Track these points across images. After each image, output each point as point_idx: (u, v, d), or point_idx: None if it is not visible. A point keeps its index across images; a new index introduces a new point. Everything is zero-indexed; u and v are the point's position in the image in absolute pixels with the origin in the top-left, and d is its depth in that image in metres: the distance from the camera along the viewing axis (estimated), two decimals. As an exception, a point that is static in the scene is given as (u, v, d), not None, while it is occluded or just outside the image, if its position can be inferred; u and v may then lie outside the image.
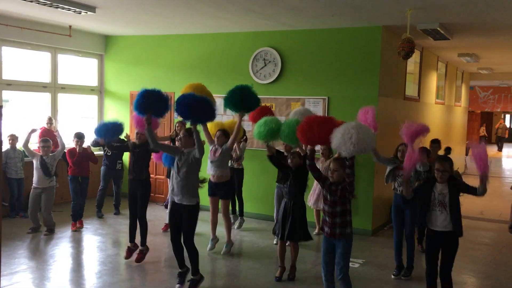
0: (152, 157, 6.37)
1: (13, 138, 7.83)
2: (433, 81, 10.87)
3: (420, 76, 9.76)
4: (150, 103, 4.92)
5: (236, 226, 7.72)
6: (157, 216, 8.41)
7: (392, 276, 5.80)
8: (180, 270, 5.22)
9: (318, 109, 7.88)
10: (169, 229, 5.37)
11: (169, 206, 5.38)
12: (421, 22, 6.93)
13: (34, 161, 7.05)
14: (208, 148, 6.16)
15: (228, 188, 6.52)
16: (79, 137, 7.46)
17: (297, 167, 5.37)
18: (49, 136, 7.81)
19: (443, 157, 4.75)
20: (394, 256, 5.91)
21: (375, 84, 7.54)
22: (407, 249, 5.84)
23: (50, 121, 8.53)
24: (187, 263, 5.20)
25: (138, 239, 6.11)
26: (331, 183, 4.52)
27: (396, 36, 7.64)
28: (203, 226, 7.09)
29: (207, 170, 6.52)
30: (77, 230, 7.39)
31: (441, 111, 11.96)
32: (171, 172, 5.27)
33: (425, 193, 4.64)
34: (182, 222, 5.06)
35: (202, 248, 5.90)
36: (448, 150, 5.73)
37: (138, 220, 6.05)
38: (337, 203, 4.48)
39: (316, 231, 7.59)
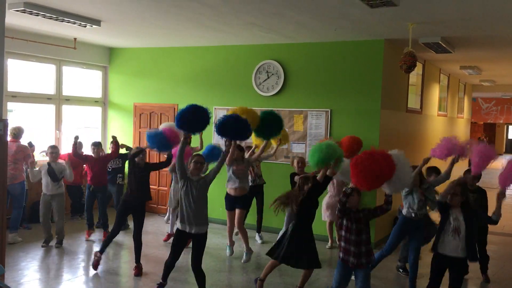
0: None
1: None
2: (435, 93, 10.91)
3: (422, 88, 9.80)
4: (198, 122, 4.89)
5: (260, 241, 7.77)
6: (160, 228, 8.42)
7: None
8: (161, 282, 5.30)
9: (321, 122, 7.92)
10: (171, 245, 5.27)
11: (175, 233, 5.23)
12: (423, 36, 6.98)
13: (42, 170, 7.02)
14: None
15: (246, 200, 6.71)
16: (95, 145, 7.58)
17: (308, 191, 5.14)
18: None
19: (456, 181, 4.77)
20: (376, 258, 5.73)
21: (378, 97, 7.57)
22: (410, 276, 5.69)
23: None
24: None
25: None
26: (354, 211, 4.48)
27: (398, 49, 7.69)
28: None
29: (226, 185, 6.72)
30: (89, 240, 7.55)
31: (443, 123, 11.98)
32: (180, 198, 5.11)
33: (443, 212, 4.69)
34: (193, 248, 5.08)
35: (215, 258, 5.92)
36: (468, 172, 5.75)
37: (134, 238, 6.07)
38: (362, 231, 4.46)
39: (329, 244, 7.58)
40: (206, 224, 5.10)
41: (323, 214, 7.47)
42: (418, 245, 5.69)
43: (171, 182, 7.86)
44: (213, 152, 6.48)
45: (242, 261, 6.58)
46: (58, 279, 5.87)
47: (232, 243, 6.92)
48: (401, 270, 6.33)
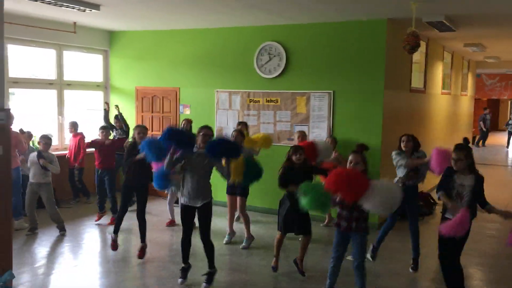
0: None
1: (27, 136, 7.80)
2: (439, 71, 10.81)
3: (426, 67, 9.71)
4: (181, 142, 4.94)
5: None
6: (163, 211, 8.47)
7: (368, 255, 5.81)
8: (183, 265, 5.34)
9: (324, 103, 7.88)
10: (172, 225, 5.36)
11: (180, 209, 5.32)
12: (426, 14, 6.88)
13: (31, 156, 6.94)
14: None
15: (246, 186, 6.62)
16: (104, 128, 7.69)
17: (303, 162, 5.37)
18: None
19: (459, 146, 4.74)
20: (377, 237, 5.97)
21: (381, 77, 7.51)
22: (412, 241, 5.85)
23: (73, 126, 8.62)
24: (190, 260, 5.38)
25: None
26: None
27: (401, 29, 7.59)
28: (215, 221, 7.16)
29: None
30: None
31: (447, 101, 11.91)
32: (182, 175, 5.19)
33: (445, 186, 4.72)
34: (199, 220, 5.16)
35: (217, 242, 5.96)
36: (465, 140, 5.72)
37: (137, 217, 6.10)
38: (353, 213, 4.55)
39: (325, 222, 7.67)
40: (209, 196, 5.17)
41: None
42: (414, 214, 5.86)
43: None
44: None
45: (241, 246, 6.59)
46: (63, 266, 5.94)
47: (232, 232, 6.86)
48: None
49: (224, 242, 6.77)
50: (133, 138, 6.23)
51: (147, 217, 6.29)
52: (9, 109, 4.49)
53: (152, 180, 5.86)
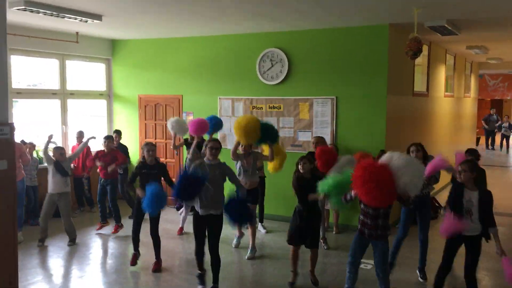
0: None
1: (30, 146, 7.91)
2: (441, 74, 10.78)
3: (428, 70, 9.69)
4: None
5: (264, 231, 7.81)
6: (169, 219, 8.46)
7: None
8: (200, 272, 5.39)
9: (326, 109, 7.87)
10: (183, 234, 5.38)
11: (194, 219, 5.31)
12: (428, 19, 6.87)
13: (50, 167, 7.02)
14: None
15: (256, 194, 6.67)
16: (107, 138, 7.74)
17: (309, 172, 5.34)
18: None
19: (466, 159, 4.77)
20: (391, 251, 5.83)
21: (384, 82, 7.50)
22: (421, 252, 5.81)
23: (80, 135, 8.67)
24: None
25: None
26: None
27: (403, 33, 7.58)
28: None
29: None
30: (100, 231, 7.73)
31: (450, 103, 11.88)
32: None
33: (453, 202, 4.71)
34: (209, 230, 5.20)
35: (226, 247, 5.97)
36: (471, 152, 5.70)
37: (151, 234, 6.06)
38: (379, 216, 4.54)
39: (334, 232, 7.71)
40: (222, 207, 5.16)
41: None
42: (425, 222, 5.78)
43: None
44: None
45: (245, 257, 6.58)
46: (70, 276, 5.94)
47: (241, 234, 6.96)
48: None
49: (233, 245, 6.85)
50: (142, 157, 6.07)
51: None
52: (13, 123, 4.48)
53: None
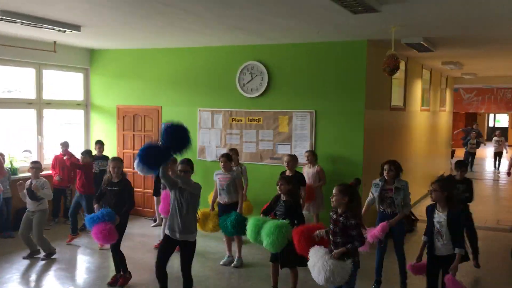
0: (159, 211, 6.63)
1: (2, 157, 7.73)
2: (418, 88, 10.99)
3: (405, 85, 9.86)
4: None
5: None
6: (147, 232, 8.37)
7: None
8: None
9: (305, 123, 7.93)
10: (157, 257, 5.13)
11: (163, 240, 5.18)
12: (406, 36, 7.01)
13: (24, 188, 6.79)
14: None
15: (238, 208, 6.57)
16: (84, 154, 7.72)
17: (286, 193, 5.34)
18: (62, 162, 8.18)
19: (437, 178, 4.84)
20: (375, 269, 5.96)
21: (362, 97, 7.60)
22: (399, 264, 5.88)
23: (65, 145, 8.58)
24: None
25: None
26: (334, 211, 4.47)
27: (381, 49, 7.69)
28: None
29: (217, 196, 6.72)
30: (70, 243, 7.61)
31: (426, 117, 12.10)
32: (171, 206, 5.02)
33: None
34: (181, 258, 5.07)
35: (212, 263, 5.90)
36: (445, 176, 5.84)
37: (112, 249, 5.89)
38: (337, 234, 4.42)
39: None
40: (195, 232, 5.08)
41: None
42: (400, 239, 5.84)
43: None
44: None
45: (232, 265, 6.60)
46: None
47: (230, 257, 6.77)
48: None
49: (222, 263, 6.72)
50: (109, 172, 5.84)
51: (129, 240, 6.18)
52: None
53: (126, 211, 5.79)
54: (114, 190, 5.73)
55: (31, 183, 6.80)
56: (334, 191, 4.46)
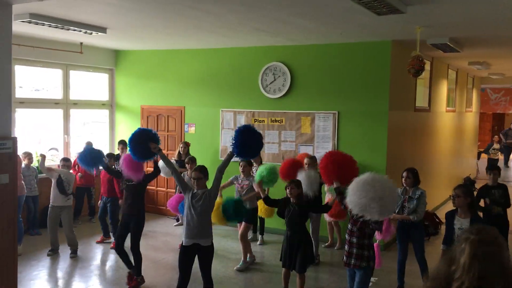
0: (167, 205, 6.55)
1: (28, 156, 7.93)
2: (443, 89, 10.81)
3: (430, 85, 9.71)
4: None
5: (258, 242, 7.88)
6: (170, 231, 8.46)
7: None
8: None
9: (328, 124, 7.89)
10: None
11: (181, 252, 5.02)
12: (431, 37, 6.91)
13: (53, 180, 7.05)
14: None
15: (253, 214, 6.60)
16: (109, 156, 7.52)
17: (296, 197, 5.29)
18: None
19: (460, 184, 4.76)
20: (397, 276, 5.91)
21: (385, 98, 7.52)
22: (421, 271, 5.80)
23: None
24: None
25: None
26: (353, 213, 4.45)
27: (405, 50, 7.61)
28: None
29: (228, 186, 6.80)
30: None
31: (452, 118, 11.89)
32: (184, 210, 5.02)
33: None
34: (200, 263, 4.97)
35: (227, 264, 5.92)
36: (467, 179, 5.70)
37: (131, 250, 5.91)
38: (354, 234, 4.46)
39: (328, 243, 7.69)
40: (210, 236, 4.96)
41: (325, 215, 7.44)
42: (419, 244, 5.74)
43: None
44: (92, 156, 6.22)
45: (235, 268, 6.59)
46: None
47: (245, 259, 6.71)
48: None
49: (236, 268, 6.61)
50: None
51: (153, 239, 6.26)
52: (15, 138, 4.51)
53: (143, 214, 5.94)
54: (130, 185, 5.86)
55: (59, 177, 6.97)
56: (457, 192, 4.49)
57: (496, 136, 15.46)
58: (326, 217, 7.49)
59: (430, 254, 6.11)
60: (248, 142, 4.94)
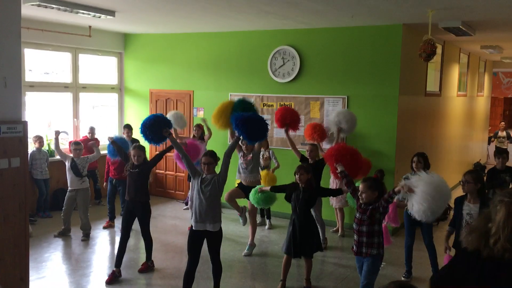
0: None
1: (39, 140, 7.99)
2: (455, 73, 10.68)
3: (441, 70, 9.60)
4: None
5: (266, 227, 7.91)
6: (178, 215, 8.52)
7: (402, 278, 5.85)
8: None
9: (337, 108, 7.84)
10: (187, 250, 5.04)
11: (190, 236, 5.02)
12: (443, 20, 6.79)
13: (66, 163, 7.07)
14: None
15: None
16: (128, 127, 7.83)
17: (305, 182, 5.28)
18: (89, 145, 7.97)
19: (470, 170, 4.71)
20: (405, 260, 5.93)
21: (396, 83, 7.45)
22: (430, 257, 5.80)
23: (91, 130, 8.67)
24: None
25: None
26: (364, 202, 4.45)
27: (417, 34, 7.52)
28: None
29: (237, 177, 6.71)
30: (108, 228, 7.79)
31: (463, 103, 11.77)
32: (193, 194, 5.05)
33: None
34: (209, 247, 4.99)
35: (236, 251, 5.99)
36: (477, 165, 5.56)
37: (142, 237, 5.97)
38: (364, 222, 4.41)
39: (335, 228, 7.70)
40: (219, 221, 4.97)
41: (331, 199, 7.51)
42: (427, 230, 5.73)
43: None
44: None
45: (243, 253, 6.61)
46: (81, 271, 6.01)
47: (253, 245, 6.73)
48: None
49: (244, 254, 6.62)
50: (130, 159, 5.98)
51: (162, 223, 6.31)
52: (26, 122, 4.53)
53: (148, 198, 5.97)
54: (134, 172, 5.83)
55: (73, 160, 7.01)
56: (361, 187, 4.41)
57: (502, 123, 14.12)
58: (332, 202, 7.50)
59: (438, 239, 6.09)
60: (253, 128, 4.97)
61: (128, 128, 8.23)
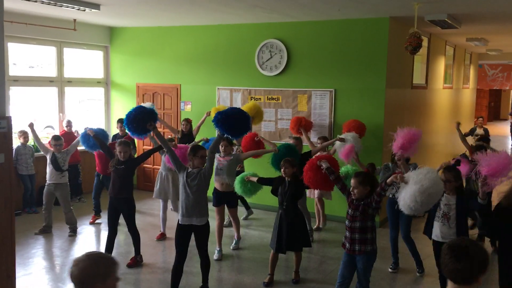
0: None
1: (24, 135, 7.90)
2: (441, 66, 10.76)
3: (428, 62, 9.66)
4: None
5: (243, 217, 7.89)
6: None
7: (389, 270, 5.93)
8: None
9: (325, 102, 7.86)
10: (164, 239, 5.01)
11: (177, 230, 4.99)
12: (429, 13, 6.83)
13: (48, 157, 7.01)
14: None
15: (235, 196, 6.38)
16: (121, 121, 7.50)
17: (291, 176, 5.27)
18: (69, 138, 7.77)
19: (448, 167, 4.73)
20: (391, 252, 5.99)
21: (383, 76, 7.48)
22: (409, 249, 5.86)
23: (69, 123, 8.55)
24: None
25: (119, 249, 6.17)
26: (354, 198, 4.42)
27: (403, 27, 7.55)
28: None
29: (215, 179, 6.38)
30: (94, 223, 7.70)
31: (449, 95, 11.87)
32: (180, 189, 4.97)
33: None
34: (196, 242, 5.00)
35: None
36: (457, 162, 5.52)
37: (129, 232, 5.95)
38: (356, 218, 4.37)
39: (315, 227, 7.48)
40: (206, 215, 4.97)
41: (309, 191, 7.18)
42: (404, 222, 5.76)
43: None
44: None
45: (231, 247, 6.59)
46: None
47: (221, 250, 6.37)
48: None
49: (215, 258, 6.25)
50: (116, 155, 5.88)
51: (149, 217, 6.28)
52: (10, 117, 4.47)
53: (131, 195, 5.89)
54: (120, 169, 5.76)
55: (53, 154, 6.94)
56: (353, 183, 4.36)
57: (480, 119, 12.39)
58: (310, 194, 7.37)
59: (420, 231, 6.15)
60: (233, 124, 4.85)
61: (122, 122, 8.09)
